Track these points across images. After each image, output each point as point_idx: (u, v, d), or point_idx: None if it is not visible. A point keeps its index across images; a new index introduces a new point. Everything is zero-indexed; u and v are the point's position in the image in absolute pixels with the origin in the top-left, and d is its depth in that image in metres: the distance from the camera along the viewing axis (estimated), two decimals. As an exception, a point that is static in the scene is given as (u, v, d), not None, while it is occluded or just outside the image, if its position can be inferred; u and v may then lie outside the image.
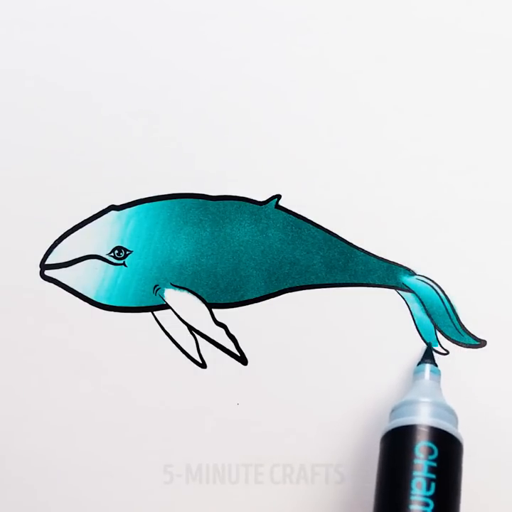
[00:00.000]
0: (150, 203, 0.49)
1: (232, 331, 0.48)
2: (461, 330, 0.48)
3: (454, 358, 0.48)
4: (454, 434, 0.42)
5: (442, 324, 0.48)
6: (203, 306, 0.48)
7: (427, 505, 0.39)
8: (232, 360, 0.48)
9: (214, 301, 0.48)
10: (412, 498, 0.40)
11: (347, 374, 0.47)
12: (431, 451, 0.41)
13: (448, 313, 0.48)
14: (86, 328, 0.48)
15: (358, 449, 0.47)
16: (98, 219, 0.49)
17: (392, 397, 0.47)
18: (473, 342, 0.48)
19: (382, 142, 0.49)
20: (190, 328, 0.48)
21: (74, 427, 0.47)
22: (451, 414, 0.43)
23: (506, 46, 0.50)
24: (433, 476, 0.40)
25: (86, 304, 0.48)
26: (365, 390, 0.47)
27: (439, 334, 0.48)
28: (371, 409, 0.47)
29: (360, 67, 0.50)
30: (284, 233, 0.49)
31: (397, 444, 0.42)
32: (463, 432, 0.45)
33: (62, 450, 0.47)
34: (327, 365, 0.48)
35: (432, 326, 0.48)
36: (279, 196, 0.49)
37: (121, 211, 0.49)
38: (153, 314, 0.48)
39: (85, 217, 0.49)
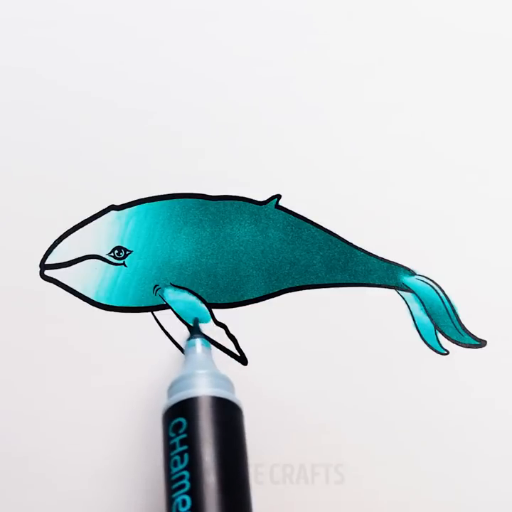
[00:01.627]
0: (150, 203, 0.49)
1: (232, 331, 0.48)
2: (461, 330, 0.48)
3: (454, 358, 0.48)
4: (230, 399, 0.42)
5: (442, 324, 0.48)
6: (203, 306, 0.48)
7: (182, 478, 0.40)
8: (232, 360, 0.48)
9: (214, 301, 0.48)
10: (172, 477, 0.40)
11: (347, 374, 0.47)
12: (180, 425, 0.41)
13: (448, 313, 0.48)
14: (86, 328, 0.48)
15: (358, 449, 0.47)
16: (98, 219, 0.49)
17: (392, 396, 0.47)
18: (473, 342, 0.48)
19: (383, 142, 0.49)
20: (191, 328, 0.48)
21: (74, 426, 0.47)
22: (227, 382, 0.44)
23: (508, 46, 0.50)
24: (185, 448, 0.41)
25: (86, 303, 0.48)
26: (364, 390, 0.47)
27: (439, 334, 0.48)
28: (371, 409, 0.47)
29: (360, 67, 0.50)
30: (284, 233, 0.49)
31: (163, 425, 0.43)
32: (463, 432, 0.45)
33: (62, 450, 0.47)
34: (327, 365, 0.48)
35: (432, 326, 0.48)
36: (279, 196, 0.49)
37: (121, 211, 0.49)
38: (153, 314, 0.48)
39: (85, 217, 0.49)
